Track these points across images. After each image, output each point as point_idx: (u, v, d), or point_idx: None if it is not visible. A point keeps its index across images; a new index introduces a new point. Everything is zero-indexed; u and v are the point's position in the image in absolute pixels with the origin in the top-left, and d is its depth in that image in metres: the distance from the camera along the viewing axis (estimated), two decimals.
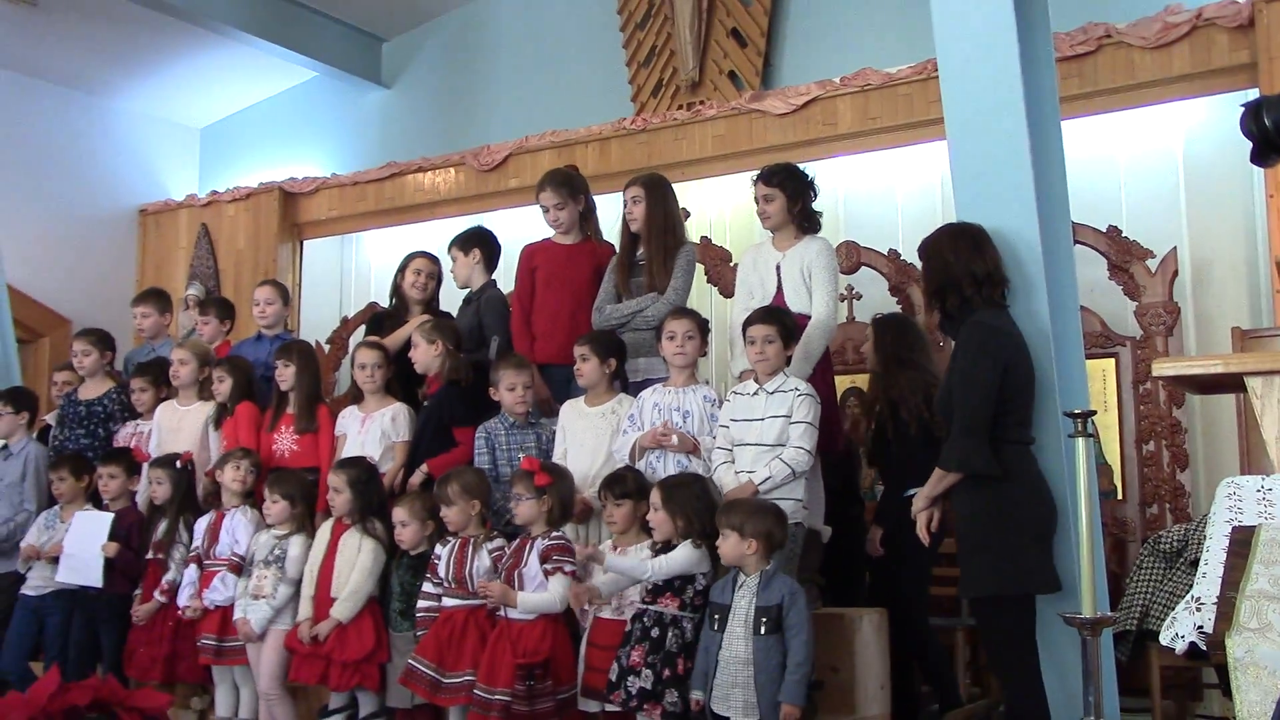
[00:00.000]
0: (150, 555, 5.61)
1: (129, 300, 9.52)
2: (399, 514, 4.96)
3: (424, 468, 5.20)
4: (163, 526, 5.61)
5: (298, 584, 5.14)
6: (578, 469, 4.82)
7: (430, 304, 6.03)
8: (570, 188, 5.49)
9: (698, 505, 4.24)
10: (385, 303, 6.45)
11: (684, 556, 4.19)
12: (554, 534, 4.56)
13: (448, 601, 4.73)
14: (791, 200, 4.95)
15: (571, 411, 5.05)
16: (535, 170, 8.38)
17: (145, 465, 5.84)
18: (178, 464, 5.67)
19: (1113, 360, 6.48)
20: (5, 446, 6.47)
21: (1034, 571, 3.91)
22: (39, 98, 9.33)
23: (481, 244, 5.84)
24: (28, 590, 5.93)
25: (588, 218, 5.55)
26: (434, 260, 6.07)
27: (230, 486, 5.45)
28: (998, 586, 3.92)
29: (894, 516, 5.07)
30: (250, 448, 5.61)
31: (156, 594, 5.49)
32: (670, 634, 4.15)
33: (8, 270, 7.57)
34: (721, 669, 3.95)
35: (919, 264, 4.32)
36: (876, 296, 7.15)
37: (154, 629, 5.48)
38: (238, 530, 5.38)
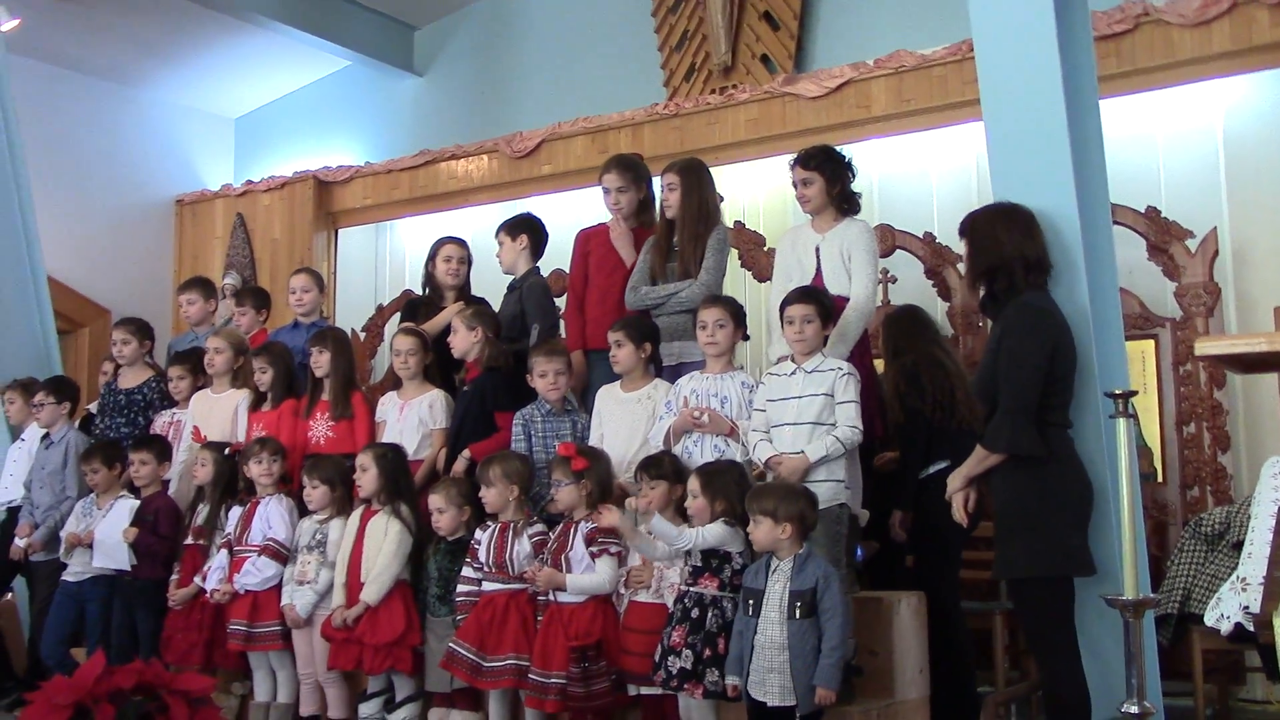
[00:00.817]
0: (190, 541, 5.66)
1: (167, 290, 9.68)
2: (435, 501, 4.99)
3: (466, 453, 5.21)
4: (203, 512, 5.66)
5: None
6: (613, 454, 4.82)
7: (463, 289, 6.04)
8: (635, 173, 5.51)
9: (736, 491, 4.23)
10: (420, 290, 6.47)
11: (717, 531, 4.19)
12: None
13: (488, 586, 4.76)
14: (830, 183, 4.91)
15: (607, 397, 5.05)
16: (568, 156, 8.41)
17: (187, 447, 5.89)
18: (226, 451, 5.73)
19: (1152, 342, 6.43)
20: (47, 435, 6.55)
21: (1073, 554, 3.89)
22: (76, 90, 9.41)
23: (529, 231, 5.85)
24: (68, 577, 6.01)
25: (646, 206, 5.54)
26: (462, 245, 6.09)
27: (259, 480, 5.49)
28: (1037, 568, 3.89)
29: (912, 500, 5.07)
30: (273, 436, 5.66)
31: (197, 579, 5.54)
32: (710, 614, 4.16)
33: (47, 261, 7.64)
34: (757, 654, 3.95)
35: (960, 242, 4.26)
36: (912, 280, 7.11)
37: (192, 614, 5.52)
38: (271, 517, 5.42)
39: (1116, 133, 5.77)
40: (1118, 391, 3.52)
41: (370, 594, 4.97)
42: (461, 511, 4.98)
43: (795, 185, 4.98)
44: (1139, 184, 6.55)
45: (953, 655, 4.87)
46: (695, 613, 4.17)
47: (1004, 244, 4.05)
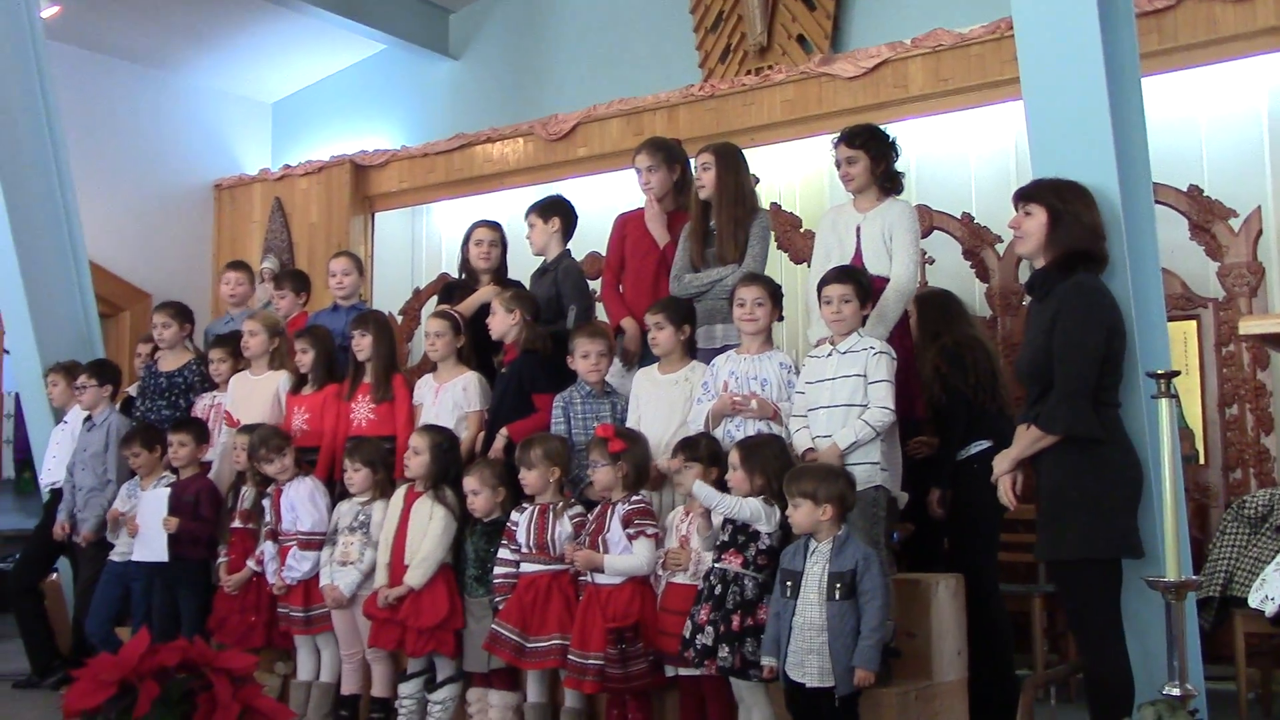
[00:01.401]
0: (239, 524, 5.71)
1: (207, 274, 9.76)
2: (470, 483, 5.01)
3: (504, 432, 5.23)
4: (248, 495, 5.71)
5: None
6: (651, 436, 4.82)
7: (498, 271, 6.05)
8: (666, 153, 5.50)
9: (776, 466, 4.23)
10: (456, 273, 6.48)
11: (755, 505, 4.19)
12: (634, 498, 4.59)
13: (526, 567, 4.78)
14: (875, 162, 4.88)
15: (644, 379, 5.06)
16: (603, 139, 8.40)
17: (230, 431, 5.95)
18: None
19: (1194, 323, 6.36)
20: (89, 418, 6.62)
21: (1126, 536, 3.84)
22: (114, 75, 9.48)
23: (561, 213, 5.85)
24: (114, 557, 6.09)
25: (683, 188, 5.52)
26: (495, 227, 6.09)
27: (276, 477, 5.53)
28: (1090, 550, 3.84)
29: (950, 479, 5.05)
30: (276, 423, 5.76)
31: (250, 563, 5.59)
32: (730, 591, 4.17)
33: (89, 246, 7.72)
34: (795, 635, 3.95)
35: (1021, 209, 4.09)
36: (950, 261, 7.06)
37: (247, 596, 5.58)
38: (297, 504, 5.46)
39: (1158, 111, 5.70)
40: (1160, 372, 3.49)
41: (415, 578, 5.00)
42: (496, 493, 4.99)
43: (838, 164, 4.94)
44: (1181, 163, 6.47)
45: (991, 638, 4.84)
46: (719, 589, 4.20)
47: (1092, 224, 3.98)
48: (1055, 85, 4.26)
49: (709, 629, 4.15)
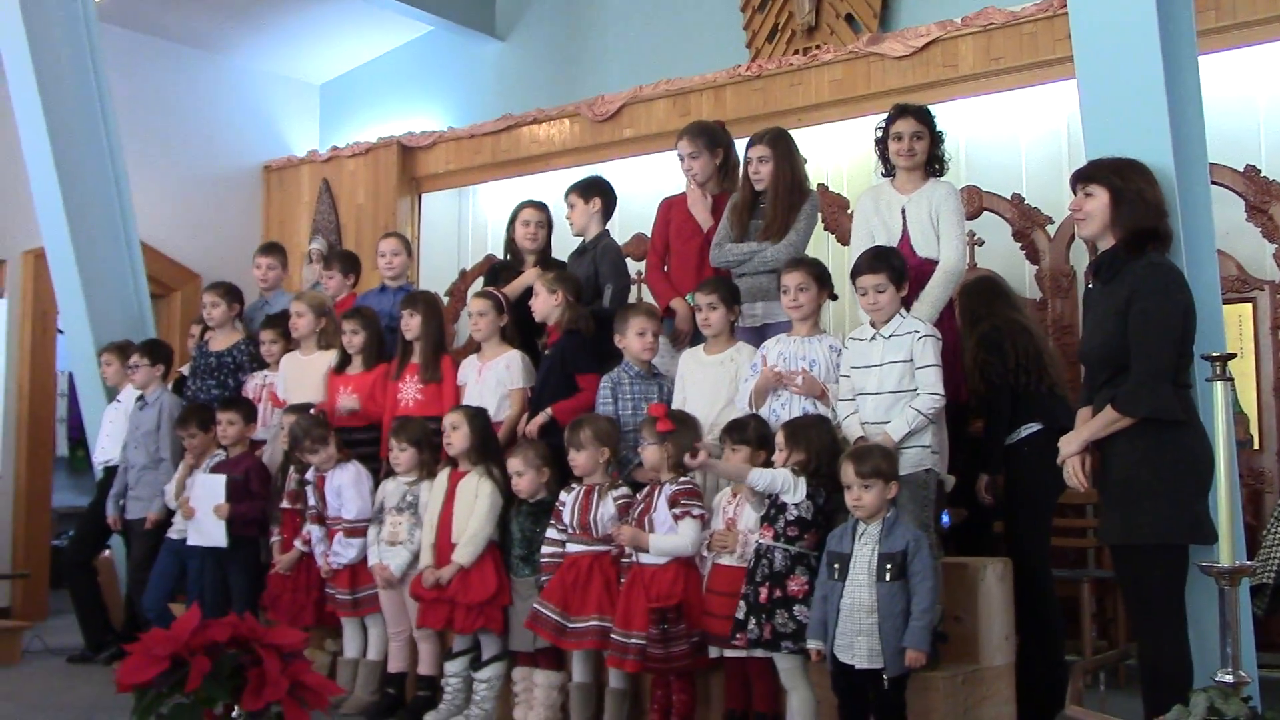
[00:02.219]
0: (287, 505, 5.77)
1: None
2: (514, 464, 5.03)
3: (548, 411, 5.24)
4: (295, 476, 5.76)
5: None
6: (696, 417, 4.81)
7: (544, 252, 6.05)
8: (708, 138, 5.47)
9: (819, 445, 4.22)
10: (502, 255, 6.50)
11: (780, 474, 4.20)
12: (682, 479, 4.59)
13: (572, 547, 4.80)
14: (935, 143, 4.85)
15: (690, 360, 5.05)
16: (649, 120, 8.37)
17: (279, 411, 6.01)
18: (310, 412, 5.82)
19: (1249, 305, 6.26)
20: (141, 397, 6.71)
21: (1199, 522, 3.75)
22: (163, 57, 9.56)
23: (602, 193, 5.86)
24: (172, 535, 6.17)
25: (727, 172, 5.50)
26: (542, 208, 6.09)
27: (318, 466, 5.57)
28: (1162, 535, 3.76)
29: (999, 465, 5.00)
30: (314, 402, 5.81)
31: (298, 543, 5.65)
32: (761, 564, 4.17)
33: (140, 227, 7.81)
34: (844, 617, 3.94)
35: (1083, 190, 4.03)
36: (1000, 243, 6.99)
37: (299, 575, 5.65)
38: (343, 491, 5.50)
39: (1215, 90, 5.59)
40: (1215, 355, 3.44)
41: (465, 555, 5.03)
42: (540, 473, 5.01)
43: (900, 138, 4.85)
44: (1238, 142, 6.36)
45: (1041, 622, 4.81)
46: (752, 564, 4.23)
47: (1159, 205, 3.92)
48: (1110, 63, 4.20)
49: (742, 604, 4.17)
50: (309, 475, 5.65)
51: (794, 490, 4.20)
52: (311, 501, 5.60)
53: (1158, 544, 3.78)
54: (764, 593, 4.13)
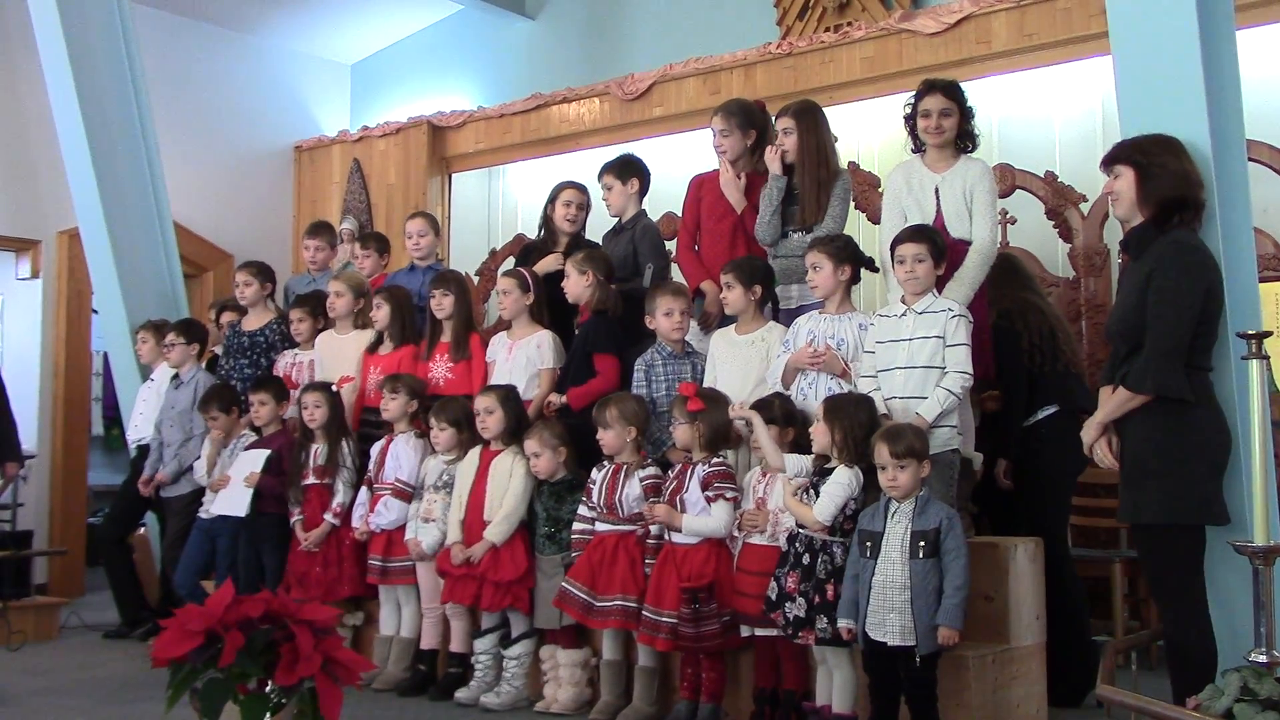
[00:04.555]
0: (314, 480, 5.79)
1: (287, 235, 9.88)
2: (530, 445, 5.05)
3: (562, 397, 5.26)
4: (322, 451, 5.80)
5: None
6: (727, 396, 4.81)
7: (579, 234, 6.04)
8: (742, 117, 5.42)
9: (855, 424, 4.19)
10: (532, 234, 6.49)
11: (845, 481, 4.16)
12: (715, 460, 4.59)
13: (599, 526, 4.81)
14: (965, 118, 4.80)
15: (721, 340, 5.05)
16: (680, 99, 8.34)
17: (298, 390, 6.03)
18: (333, 389, 5.85)
19: None
20: (176, 375, 6.76)
21: (1210, 501, 3.77)
22: (195, 38, 9.59)
23: (638, 174, 5.84)
24: (202, 514, 6.22)
25: (760, 154, 5.46)
26: (583, 190, 6.08)
27: (396, 418, 5.59)
28: (1170, 515, 3.78)
29: (1019, 446, 4.98)
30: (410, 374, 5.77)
31: (328, 517, 5.69)
32: (820, 560, 4.15)
33: (173, 207, 7.86)
34: (875, 594, 3.93)
35: (1112, 171, 4.02)
36: (1032, 221, 6.93)
37: (329, 550, 5.69)
38: (402, 456, 5.55)
39: (1253, 65, 5.52)
40: (1251, 333, 3.41)
41: (498, 533, 5.06)
42: (557, 453, 5.03)
43: (929, 114, 4.77)
44: (1276, 119, 6.27)
45: (1065, 602, 4.79)
46: (806, 558, 4.17)
47: (1191, 177, 3.89)
48: (1145, 38, 4.15)
49: (800, 600, 4.13)
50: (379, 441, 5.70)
51: (856, 484, 4.16)
52: (371, 465, 5.63)
53: (1166, 524, 3.79)
54: (830, 590, 4.09)
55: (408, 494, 5.49)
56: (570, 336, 5.62)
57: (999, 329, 5.01)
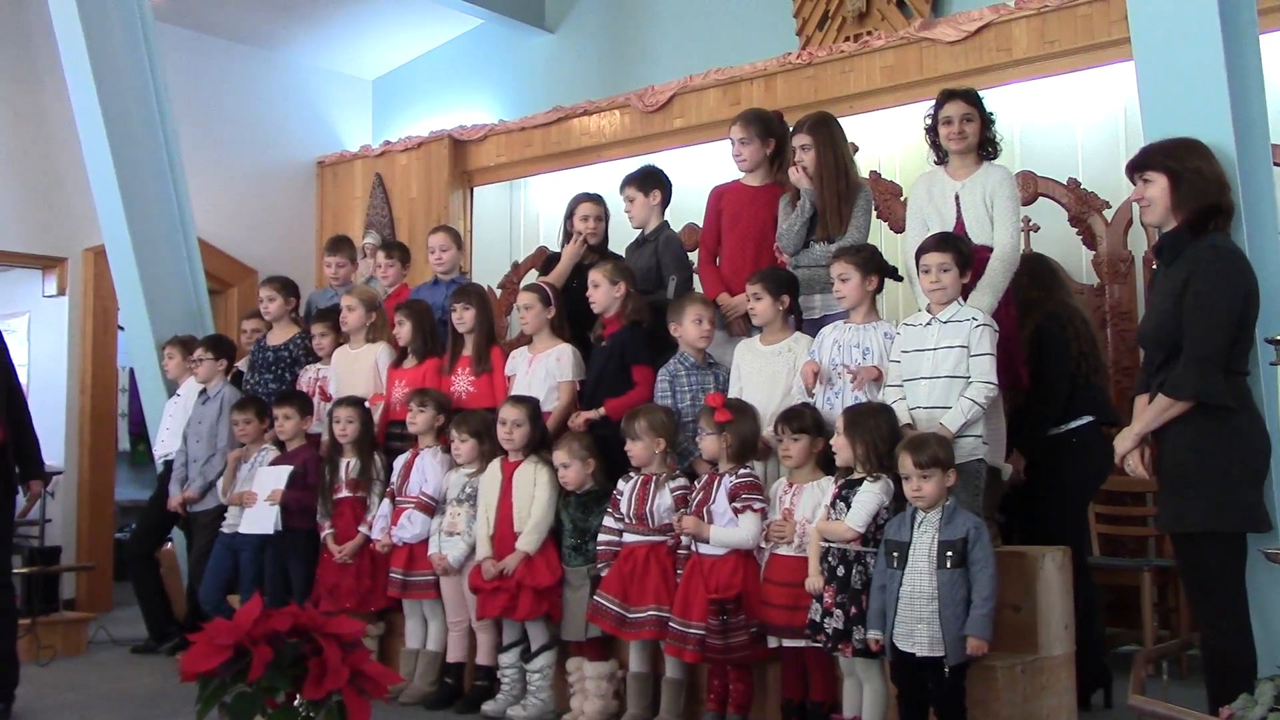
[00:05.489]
0: (347, 494, 5.81)
1: (311, 250, 9.93)
2: (559, 456, 5.05)
3: (601, 410, 5.24)
4: (354, 465, 5.82)
5: None
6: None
7: (602, 245, 6.03)
8: (761, 126, 5.42)
9: (877, 436, 4.19)
10: (554, 247, 6.50)
11: (872, 497, 4.15)
12: (742, 471, 4.58)
13: (628, 537, 4.81)
14: (985, 125, 4.80)
15: (746, 350, 5.03)
16: (700, 110, 8.35)
17: (329, 405, 6.05)
18: (366, 405, 5.87)
19: None
20: (203, 390, 6.79)
21: (1252, 509, 3.73)
22: (217, 54, 9.66)
23: (661, 185, 5.83)
24: (224, 529, 6.24)
25: (781, 164, 5.45)
26: (600, 202, 6.07)
27: (422, 432, 5.60)
28: (1212, 523, 3.73)
29: (1044, 451, 4.96)
30: (372, 394, 5.86)
31: (362, 528, 5.71)
32: (854, 571, 4.13)
33: (197, 224, 7.91)
34: (903, 605, 3.92)
35: (1141, 178, 3.99)
36: (1055, 228, 6.91)
37: (362, 562, 5.70)
38: (427, 470, 5.56)
39: (1277, 68, 5.49)
40: (1278, 338, 3.38)
41: (530, 542, 5.07)
42: (586, 464, 5.03)
43: (950, 121, 4.76)
44: None
45: (1077, 605, 4.77)
46: (840, 570, 4.16)
47: (1220, 179, 3.86)
48: (1168, 43, 4.13)
49: (838, 612, 4.11)
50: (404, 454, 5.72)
51: (887, 494, 4.15)
52: (394, 478, 5.65)
53: (1208, 531, 3.74)
54: (864, 601, 4.08)
55: (431, 508, 5.51)
56: (582, 346, 5.62)
57: (1047, 331, 4.99)
